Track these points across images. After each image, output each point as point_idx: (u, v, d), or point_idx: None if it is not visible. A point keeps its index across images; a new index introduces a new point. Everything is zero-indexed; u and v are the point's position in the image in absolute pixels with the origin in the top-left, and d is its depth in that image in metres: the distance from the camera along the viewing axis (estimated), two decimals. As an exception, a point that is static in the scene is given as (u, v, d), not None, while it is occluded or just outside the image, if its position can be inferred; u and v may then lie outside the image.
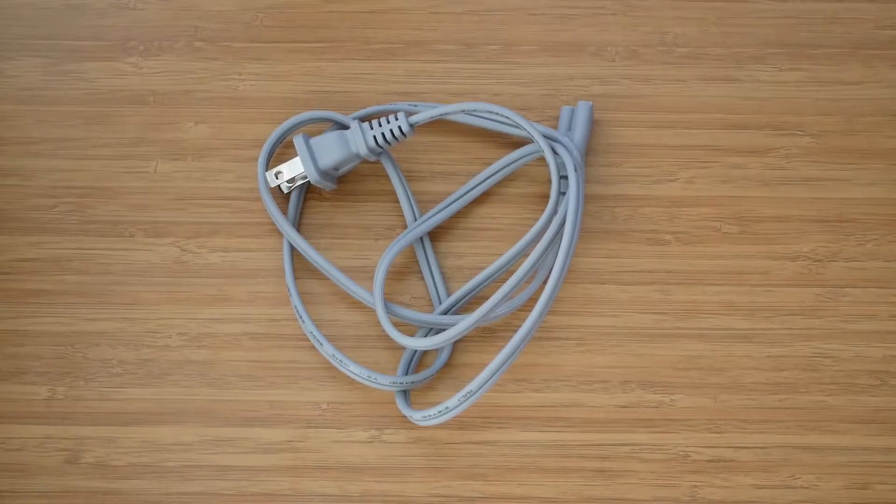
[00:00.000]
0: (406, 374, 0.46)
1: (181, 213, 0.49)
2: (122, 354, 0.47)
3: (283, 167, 0.47)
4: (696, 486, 0.47)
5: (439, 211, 0.48)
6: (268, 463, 0.46)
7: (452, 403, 0.43)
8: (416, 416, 0.44)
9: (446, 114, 0.46)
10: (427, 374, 0.46)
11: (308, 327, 0.46)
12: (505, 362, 0.43)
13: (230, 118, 0.50)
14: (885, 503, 0.47)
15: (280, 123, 0.49)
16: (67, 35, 0.50)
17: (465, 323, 0.43)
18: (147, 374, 0.47)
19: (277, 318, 0.48)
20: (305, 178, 0.47)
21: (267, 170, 0.47)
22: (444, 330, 0.45)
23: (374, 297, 0.45)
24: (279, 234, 0.48)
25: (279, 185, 0.47)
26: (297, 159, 0.46)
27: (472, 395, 0.43)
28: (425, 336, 0.47)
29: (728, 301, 0.48)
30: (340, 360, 0.45)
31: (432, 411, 0.44)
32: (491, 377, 0.43)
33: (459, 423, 0.47)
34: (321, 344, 0.46)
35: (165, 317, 0.48)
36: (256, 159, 0.49)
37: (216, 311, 0.48)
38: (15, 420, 0.47)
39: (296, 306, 0.46)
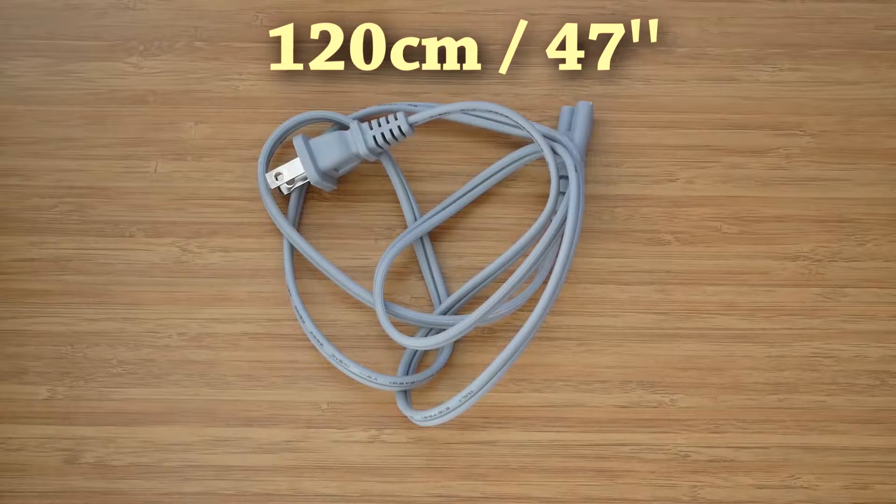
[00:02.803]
0: (406, 374, 0.46)
1: (181, 213, 0.49)
2: (122, 354, 0.47)
3: (282, 168, 0.47)
4: (696, 486, 0.47)
5: (439, 211, 0.48)
6: (268, 463, 0.46)
7: (453, 404, 0.43)
8: (416, 416, 0.44)
9: (446, 113, 0.46)
10: (427, 374, 0.46)
11: (308, 327, 0.46)
12: (506, 363, 0.43)
13: (230, 118, 0.50)
14: (885, 503, 0.47)
15: (280, 123, 0.49)
16: (67, 35, 0.50)
17: (464, 323, 0.43)
18: (147, 374, 0.47)
19: (277, 318, 0.48)
20: (305, 179, 0.47)
21: (267, 171, 0.47)
22: (444, 330, 0.45)
23: (373, 297, 0.45)
24: (279, 234, 0.48)
25: (279, 187, 0.47)
26: (296, 160, 0.46)
27: (472, 396, 0.43)
28: (425, 336, 0.47)
29: (728, 301, 0.48)
30: (340, 361, 0.45)
31: (433, 412, 0.44)
32: (492, 378, 0.43)
33: (459, 423, 0.47)
34: (321, 344, 0.46)
35: (165, 317, 0.48)
36: (256, 159, 0.49)
37: (216, 311, 0.48)
38: (15, 420, 0.47)
39: (296, 306, 0.46)
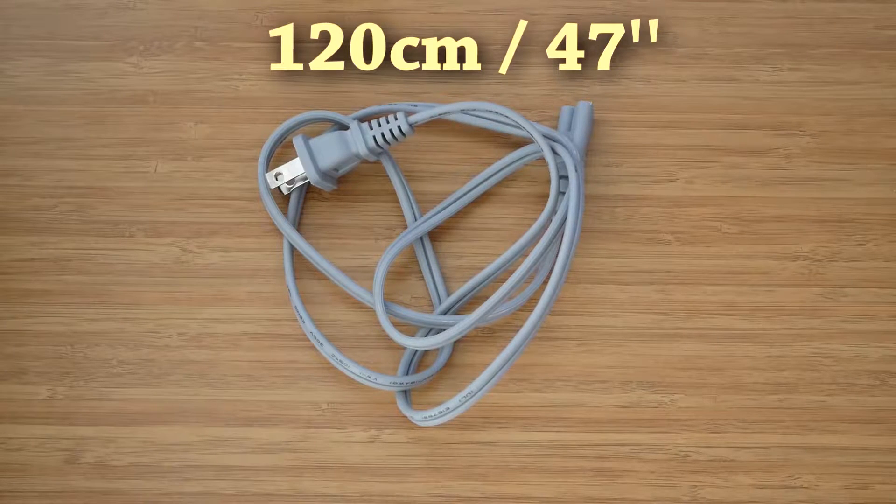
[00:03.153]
0: (406, 374, 0.46)
1: (181, 213, 0.49)
2: (122, 354, 0.47)
3: (282, 168, 0.47)
4: (696, 486, 0.47)
5: (439, 211, 0.48)
6: (268, 463, 0.46)
7: (453, 404, 0.43)
8: (416, 416, 0.44)
9: (446, 113, 0.46)
10: (427, 374, 0.46)
11: (308, 327, 0.46)
12: (506, 363, 0.43)
13: (230, 118, 0.50)
14: (885, 503, 0.47)
15: (280, 123, 0.49)
16: (67, 35, 0.50)
17: (464, 323, 0.43)
18: (147, 374, 0.47)
19: (277, 318, 0.48)
20: (305, 179, 0.47)
21: (267, 171, 0.47)
22: (444, 330, 0.45)
23: (373, 297, 0.45)
24: (279, 234, 0.48)
25: (279, 187, 0.47)
26: (296, 160, 0.46)
27: (472, 396, 0.43)
28: (425, 336, 0.47)
29: (728, 301, 0.48)
30: (340, 361, 0.45)
31: (433, 412, 0.44)
32: (492, 378, 0.43)
33: (460, 423, 0.47)
34: (321, 344, 0.46)
35: (165, 317, 0.48)
36: (256, 159, 0.49)
37: (216, 311, 0.48)
38: (15, 420, 0.47)
39: (296, 306, 0.46)
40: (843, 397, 0.47)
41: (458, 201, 0.48)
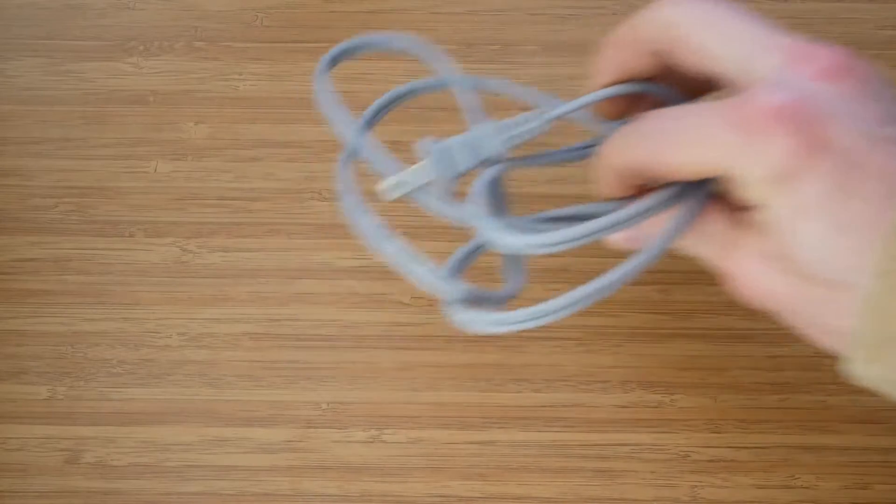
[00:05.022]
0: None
1: (181, 213, 0.49)
2: (122, 354, 0.47)
3: (405, 175, 0.38)
4: (696, 486, 0.47)
5: None
6: (268, 463, 0.46)
7: (549, 307, 0.36)
8: (485, 319, 0.36)
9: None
10: (500, 294, 0.38)
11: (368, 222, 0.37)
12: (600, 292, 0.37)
13: (230, 118, 0.50)
14: (885, 503, 0.47)
15: (282, 123, 0.49)
16: (67, 35, 0.50)
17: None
18: (147, 374, 0.47)
19: (277, 318, 0.48)
20: (422, 186, 0.37)
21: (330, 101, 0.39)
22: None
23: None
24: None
25: (386, 191, 0.38)
26: (420, 165, 0.38)
27: (553, 313, 0.36)
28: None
29: (728, 301, 0.48)
30: (408, 256, 0.36)
31: (517, 314, 0.35)
32: (575, 304, 0.36)
33: (460, 423, 0.47)
34: (386, 240, 0.36)
35: (165, 317, 0.48)
36: (256, 159, 0.49)
37: (216, 311, 0.48)
38: (15, 420, 0.47)
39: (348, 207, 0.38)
40: (843, 397, 0.47)
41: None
